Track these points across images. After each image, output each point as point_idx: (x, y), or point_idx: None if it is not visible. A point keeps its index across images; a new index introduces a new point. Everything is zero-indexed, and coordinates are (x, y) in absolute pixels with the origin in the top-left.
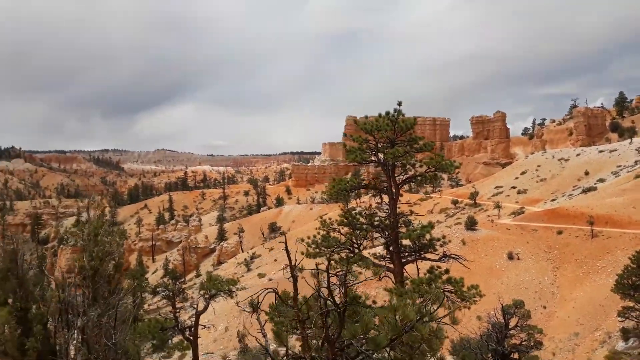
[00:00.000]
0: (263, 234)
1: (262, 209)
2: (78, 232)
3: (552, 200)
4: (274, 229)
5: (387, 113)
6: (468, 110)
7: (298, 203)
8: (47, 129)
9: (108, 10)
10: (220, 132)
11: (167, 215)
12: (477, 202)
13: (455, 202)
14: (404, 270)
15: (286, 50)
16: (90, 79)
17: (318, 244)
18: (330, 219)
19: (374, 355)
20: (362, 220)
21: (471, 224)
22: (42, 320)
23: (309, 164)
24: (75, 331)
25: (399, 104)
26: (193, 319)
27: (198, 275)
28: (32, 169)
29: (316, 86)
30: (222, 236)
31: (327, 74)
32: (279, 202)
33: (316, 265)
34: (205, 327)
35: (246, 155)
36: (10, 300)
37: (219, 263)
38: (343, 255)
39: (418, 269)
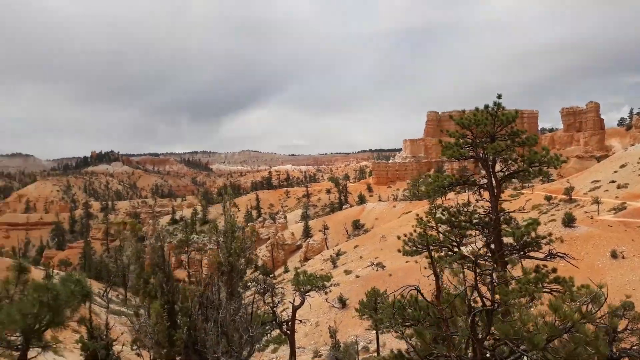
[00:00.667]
0: (347, 231)
1: (344, 206)
2: (213, 231)
3: None
4: (357, 226)
5: (487, 107)
6: (552, 102)
7: (380, 200)
8: (140, 133)
9: (192, 20)
10: (301, 132)
11: (254, 213)
12: (572, 197)
13: (548, 198)
14: (507, 270)
15: (362, 48)
16: (178, 85)
17: (415, 242)
18: (427, 216)
19: (530, 356)
20: (461, 218)
21: (569, 221)
22: (187, 312)
23: (390, 161)
24: (214, 324)
25: (499, 97)
26: (285, 313)
27: (286, 271)
28: (130, 171)
29: (393, 83)
30: (307, 233)
31: (404, 70)
32: (362, 200)
33: (461, 262)
34: (301, 321)
35: (326, 154)
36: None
37: (306, 259)
38: (442, 254)
39: (523, 268)
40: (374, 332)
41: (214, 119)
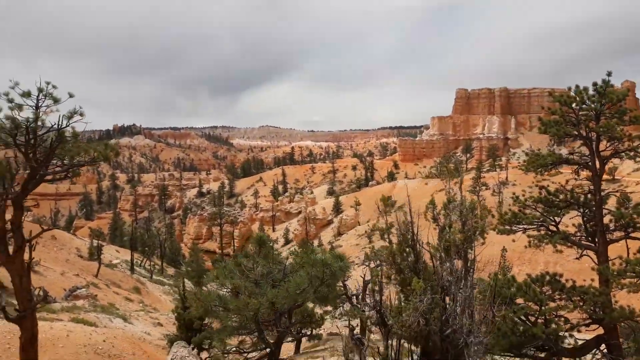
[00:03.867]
0: (378, 208)
1: (370, 183)
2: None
3: None
4: (389, 203)
5: (595, 84)
6: (582, 81)
7: (406, 178)
8: (161, 107)
9: None
10: (320, 108)
11: (280, 187)
12: None
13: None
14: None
15: (383, 23)
16: (198, 60)
17: (508, 221)
18: (524, 193)
19: None
20: (561, 197)
21: None
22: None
23: (417, 138)
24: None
25: (609, 74)
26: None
27: (319, 245)
28: (152, 145)
29: (415, 59)
30: (337, 209)
31: (425, 46)
32: (391, 177)
33: None
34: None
35: (345, 130)
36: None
37: (339, 234)
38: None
39: (628, 249)
40: None
41: (233, 94)
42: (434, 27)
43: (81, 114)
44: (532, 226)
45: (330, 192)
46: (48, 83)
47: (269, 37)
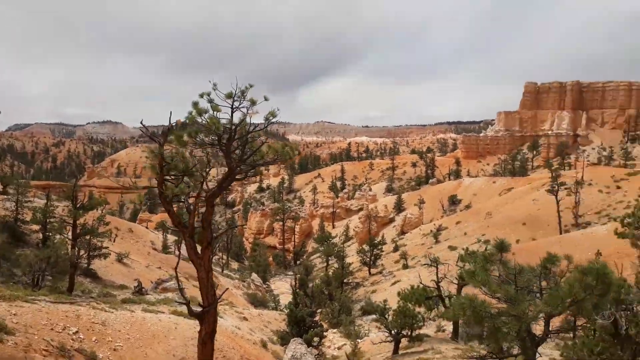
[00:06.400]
0: (442, 206)
1: (430, 180)
2: None
3: None
4: (454, 201)
5: None
6: None
7: (468, 175)
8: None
9: None
10: (375, 103)
11: (338, 184)
12: None
13: None
14: None
15: (445, 17)
16: (260, 56)
17: (629, 225)
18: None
19: None
20: None
21: None
22: None
23: (481, 134)
24: None
25: None
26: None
27: (384, 243)
28: None
29: (476, 54)
30: (399, 207)
31: (488, 40)
32: (457, 174)
33: None
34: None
35: (400, 126)
36: None
37: (402, 233)
38: None
39: None
40: None
41: (291, 91)
42: (502, 20)
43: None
44: None
45: (389, 189)
46: (251, 85)
47: (332, 30)
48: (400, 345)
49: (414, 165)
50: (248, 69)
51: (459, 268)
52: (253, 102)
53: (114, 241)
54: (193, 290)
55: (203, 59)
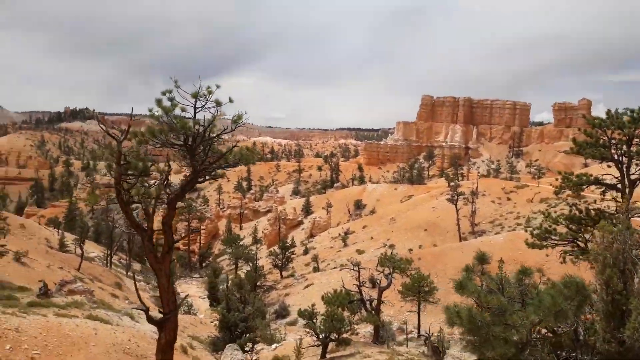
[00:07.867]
0: (349, 211)
1: (335, 184)
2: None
3: None
4: (359, 206)
5: (632, 110)
6: (539, 95)
7: (370, 181)
8: (114, 91)
9: None
10: (278, 104)
11: (244, 184)
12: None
13: (557, 192)
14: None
15: (349, 24)
16: (153, 46)
17: (538, 236)
18: (555, 212)
19: None
20: (592, 214)
21: None
22: None
23: (382, 142)
24: None
25: None
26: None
27: (294, 246)
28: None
29: (376, 63)
30: (307, 210)
31: (388, 50)
32: (361, 180)
33: None
34: (384, 302)
35: (303, 129)
36: None
37: (311, 236)
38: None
39: None
40: (406, 313)
41: (189, 84)
42: (402, 30)
43: (242, 119)
44: (564, 242)
45: (296, 192)
46: (218, 86)
47: (231, 27)
48: (328, 349)
49: (319, 168)
50: (140, 59)
51: (378, 272)
52: (218, 103)
53: (5, 237)
54: (100, 293)
55: (93, 43)
